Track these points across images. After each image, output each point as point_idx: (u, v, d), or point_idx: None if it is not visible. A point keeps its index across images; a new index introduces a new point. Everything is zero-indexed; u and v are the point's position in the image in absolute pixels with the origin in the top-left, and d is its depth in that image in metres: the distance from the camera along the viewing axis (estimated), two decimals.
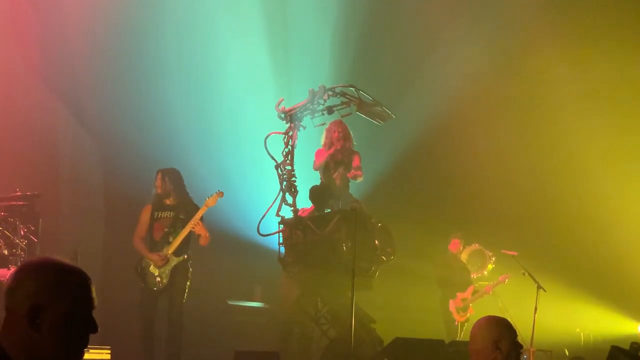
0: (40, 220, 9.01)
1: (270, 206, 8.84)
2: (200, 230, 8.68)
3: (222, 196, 8.75)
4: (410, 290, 11.05)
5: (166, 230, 8.70)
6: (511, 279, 10.78)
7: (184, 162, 9.62)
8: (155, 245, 8.75)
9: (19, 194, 8.81)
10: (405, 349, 7.94)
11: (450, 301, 10.95)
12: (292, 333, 9.11)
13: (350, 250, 7.91)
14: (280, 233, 8.80)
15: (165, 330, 8.72)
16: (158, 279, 8.56)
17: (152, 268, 8.63)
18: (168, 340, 8.61)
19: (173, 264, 8.65)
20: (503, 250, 10.75)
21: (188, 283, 8.74)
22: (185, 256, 8.75)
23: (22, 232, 8.68)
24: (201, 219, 8.69)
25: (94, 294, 2.75)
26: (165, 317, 8.74)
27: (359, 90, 9.01)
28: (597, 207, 11.94)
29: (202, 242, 8.77)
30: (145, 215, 8.80)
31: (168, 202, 8.83)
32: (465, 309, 10.94)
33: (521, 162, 12.50)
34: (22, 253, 8.52)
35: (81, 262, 7.92)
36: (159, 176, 8.80)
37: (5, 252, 8.33)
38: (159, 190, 8.80)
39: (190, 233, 8.72)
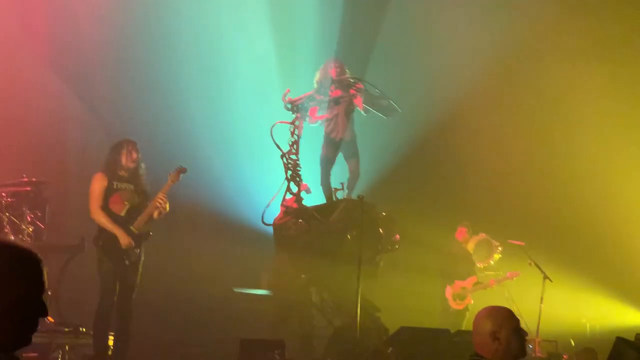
0: (47, 206, 8.87)
1: (275, 195, 8.95)
2: (163, 205, 7.89)
3: (184, 171, 7.94)
4: (416, 280, 10.76)
5: (127, 204, 7.81)
6: (517, 268, 10.65)
7: (193, 153, 9.72)
8: (118, 220, 7.79)
9: (25, 180, 8.66)
10: (410, 338, 7.93)
11: (448, 287, 10.78)
12: (289, 320, 9.09)
13: (355, 240, 8.12)
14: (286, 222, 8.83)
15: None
16: (126, 260, 7.70)
17: (120, 243, 7.69)
18: (116, 334, 7.78)
19: (139, 242, 7.85)
20: (510, 240, 10.67)
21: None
22: (151, 233, 7.99)
23: (28, 218, 8.59)
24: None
25: (45, 278, 2.71)
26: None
27: (366, 82, 9.13)
28: (605, 198, 11.88)
29: (156, 215, 7.93)
30: (100, 184, 7.75)
31: (123, 173, 7.90)
32: (462, 297, 10.73)
33: (530, 153, 12.43)
34: (29, 239, 8.43)
35: (88, 248, 7.95)
36: (130, 147, 7.91)
37: (12, 237, 8.17)
38: (124, 160, 7.83)
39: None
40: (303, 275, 8.98)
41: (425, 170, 12.42)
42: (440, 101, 11.88)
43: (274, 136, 8.92)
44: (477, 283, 10.76)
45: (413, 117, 11.54)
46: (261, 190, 10.12)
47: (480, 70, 11.79)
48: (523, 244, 10.52)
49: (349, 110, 9.29)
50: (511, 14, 11.79)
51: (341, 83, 9.20)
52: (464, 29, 11.79)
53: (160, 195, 7.78)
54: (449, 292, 10.75)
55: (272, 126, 8.97)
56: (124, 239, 7.65)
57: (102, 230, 7.71)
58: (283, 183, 8.97)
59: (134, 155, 7.86)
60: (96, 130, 10.55)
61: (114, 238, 7.61)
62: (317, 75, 9.34)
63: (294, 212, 8.86)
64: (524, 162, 12.30)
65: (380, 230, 8.82)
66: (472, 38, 11.78)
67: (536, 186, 12.22)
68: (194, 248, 10.43)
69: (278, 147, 8.95)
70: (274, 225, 8.98)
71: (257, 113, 10.87)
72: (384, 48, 11.97)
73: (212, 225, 10.76)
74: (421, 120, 11.90)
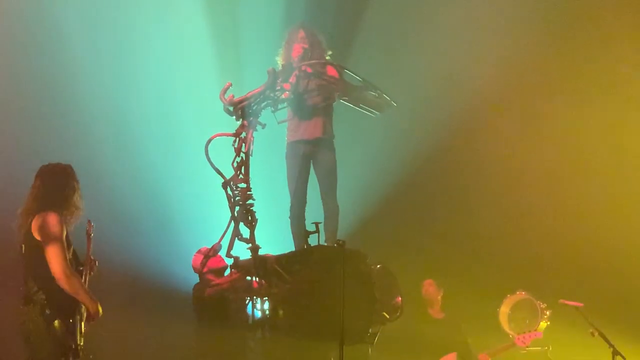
0: None
1: (217, 242, 8.58)
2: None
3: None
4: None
5: (74, 268, 7.21)
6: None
7: (91, 170, 9.22)
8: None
9: None
10: None
11: None
12: None
13: (337, 305, 7.27)
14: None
15: None
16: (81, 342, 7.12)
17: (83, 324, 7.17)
18: None
19: None
20: (562, 301, 9.78)
21: None
22: None
23: None
24: None
25: None
26: None
27: (343, 67, 8.88)
28: None
29: None
30: (62, 230, 7.03)
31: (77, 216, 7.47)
32: None
33: (584, 174, 11.77)
34: None
35: None
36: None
37: None
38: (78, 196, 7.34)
39: None
40: None
41: (434, 202, 12.21)
42: (455, 102, 11.65)
43: (210, 156, 8.46)
44: None
45: (413, 125, 11.47)
46: (196, 237, 9.73)
47: (521, 51, 11.70)
48: (581, 305, 9.70)
49: (324, 109, 8.92)
50: None
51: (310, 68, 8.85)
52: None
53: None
54: None
55: (208, 141, 8.50)
56: (97, 312, 7.05)
57: (70, 305, 6.98)
58: (229, 225, 8.46)
59: None
60: None
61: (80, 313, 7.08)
62: (282, 55, 8.99)
63: (246, 266, 8.37)
64: (579, 187, 11.76)
65: (375, 292, 8.28)
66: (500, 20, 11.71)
67: (599, 224, 11.55)
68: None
69: (218, 171, 8.46)
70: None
71: (185, 120, 10.69)
72: (370, 33, 11.75)
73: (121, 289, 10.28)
74: (426, 130, 11.65)
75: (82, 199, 7.32)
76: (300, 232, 8.86)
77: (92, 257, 7.42)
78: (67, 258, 6.92)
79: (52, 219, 6.91)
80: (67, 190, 7.20)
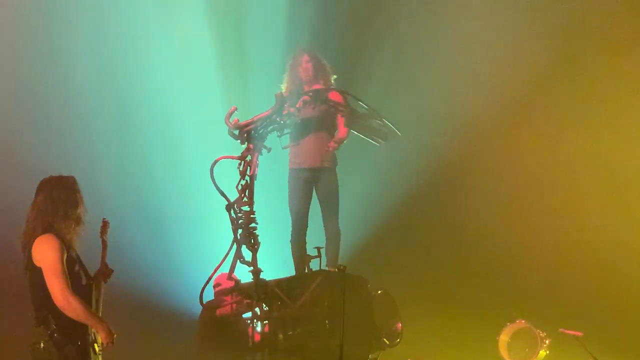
0: None
1: (219, 265, 8.49)
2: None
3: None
4: None
5: (85, 282, 6.99)
6: None
7: (94, 193, 8.80)
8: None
9: None
10: None
11: None
12: None
13: (337, 330, 7.29)
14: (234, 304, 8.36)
15: None
16: None
17: (96, 346, 6.96)
18: None
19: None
20: (562, 330, 10.01)
21: None
22: None
23: None
24: None
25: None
26: None
27: (350, 94, 8.89)
28: None
29: None
30: (60, 252, 6.79)
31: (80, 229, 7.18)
32: None
33: (585, 204, 11.71)
34: None
35: None
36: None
37: None
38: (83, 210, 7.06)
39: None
40: None
41: (434, 229, 12.04)
42: (456, 131, 11.69)
43: (215, 179, 8.45)
44: None
45: (417, 151, 11.43)
46: (197, 259, 9.87)
47: (523, 76, 11.62)
48: (581, 334, 9.88)
49: (328, 136, 8.99)
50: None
51: (316, 94, 8.82)
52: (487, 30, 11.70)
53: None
54: None
55: (213, 164, 8.50)
56: (108, 335, 6.80)
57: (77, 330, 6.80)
58: (231, 247, 8.43)
59: None
60: None
61: (93, 339, 6.86)
62: (286, 80, 9.08)
63: (247, 289, 8.26)
64: (582, 217, 11.72)
65: (375, 317, 8.30)
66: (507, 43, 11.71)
67: (598, 253, 11.57)
68: None
69: (222, 194, 8.45)
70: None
71: (190, 143, 10.71)
72: (375, 56, 11.81)
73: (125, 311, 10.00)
74: (431, 156, 11.70)
75: (86, 212, 6.98)
76: (300, 256, 8.89)
77: (107, 265, 7.14)
78: (69, 282, 6.66)
79: (50, 244, 6.69)
80: (71, 205, 6.95)
